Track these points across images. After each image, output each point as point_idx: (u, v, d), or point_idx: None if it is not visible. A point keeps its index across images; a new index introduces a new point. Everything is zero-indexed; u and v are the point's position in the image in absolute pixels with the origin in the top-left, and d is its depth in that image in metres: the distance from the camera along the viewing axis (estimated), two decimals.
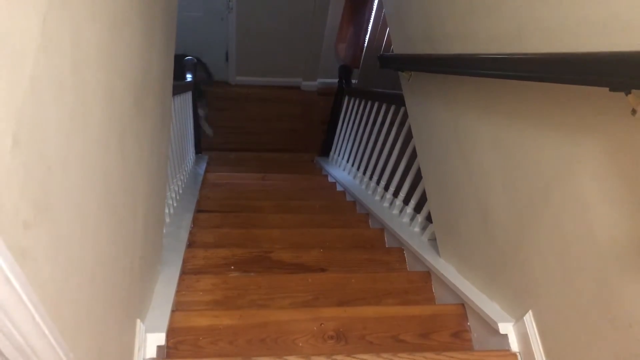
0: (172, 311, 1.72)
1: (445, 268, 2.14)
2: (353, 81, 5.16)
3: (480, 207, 1.82)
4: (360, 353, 1.59)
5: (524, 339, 1.60)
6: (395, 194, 2.98)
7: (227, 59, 6.05)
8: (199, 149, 4.54)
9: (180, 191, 3.04)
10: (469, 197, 1.90)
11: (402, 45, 2.39)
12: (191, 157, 4.09)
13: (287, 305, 2.01)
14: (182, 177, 3.22)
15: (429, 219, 2.46)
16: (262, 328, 1.79)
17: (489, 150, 1.71)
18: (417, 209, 2.66)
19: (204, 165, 4.27)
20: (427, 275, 2.29)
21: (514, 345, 1.65)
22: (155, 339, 1.51)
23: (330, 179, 4.38)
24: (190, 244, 2.49)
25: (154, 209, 1.68)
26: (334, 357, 1.56)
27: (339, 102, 4.63)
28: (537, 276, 1.53)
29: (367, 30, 5.81)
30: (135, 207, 1.35)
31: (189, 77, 4.09)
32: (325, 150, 4.97)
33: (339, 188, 4.06)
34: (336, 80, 4.70)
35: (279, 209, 3.34)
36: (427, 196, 2.38)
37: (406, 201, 2.83)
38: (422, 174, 2.41)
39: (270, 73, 6.15)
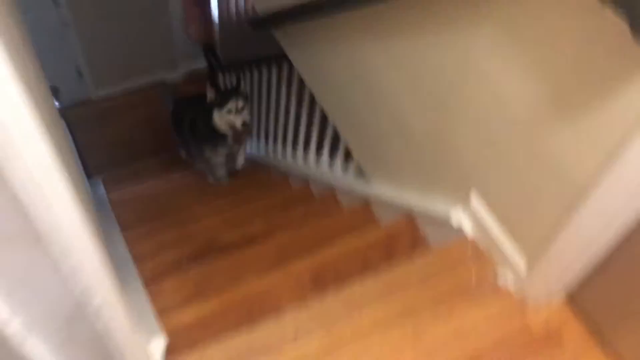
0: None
1: (381, 190, 2.28)
2: None
3: (395, 124, 1.96)
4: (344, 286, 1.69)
5: (475, 218, 1.78)
6: (307, 145, 3.07)
7: (80, 76, 5.72)
8: (88, 174, 4.33)
9: (93, 217, 2.92)
10: (382, 119, 2.04)
11: (267, 3, 2.44)
12: (86, 183, 3.90)
13: (256, 277, 2.06)
14: (88, 204, 3.09)
15: (347, 155, 2.58)
16: (244, 302, 1.83)
17: (389, 70, 1.84)
18: (333, 151, 2.78)
19: (101, 188, 4.09)
20: (366, 204, 2.43)
21: (468, 229, 1.83)
22: (157, 347, 1.51)
23: None
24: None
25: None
26: (324, 298, 1.65)
27: (215, 82, 4.59)
28: (469, 160, 1.70)
29: (210, 4, 5.74)
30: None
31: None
32: None
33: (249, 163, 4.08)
34: (200, 65, 4.64)
35: (201, 199, 3.32)
36: (341, 134, 2.49)
37: (319, 148, 2.93)
38: (329, 116, 2.52)
39: (131, 75, 5.91)
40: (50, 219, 0.80)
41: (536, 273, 1.61)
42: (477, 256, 1.79)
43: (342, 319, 1.62)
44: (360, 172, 2.47)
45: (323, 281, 1.90)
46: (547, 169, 1.45)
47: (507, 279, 1.72)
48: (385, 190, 2.25)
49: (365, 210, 2.42)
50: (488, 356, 1.57)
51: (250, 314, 1.79)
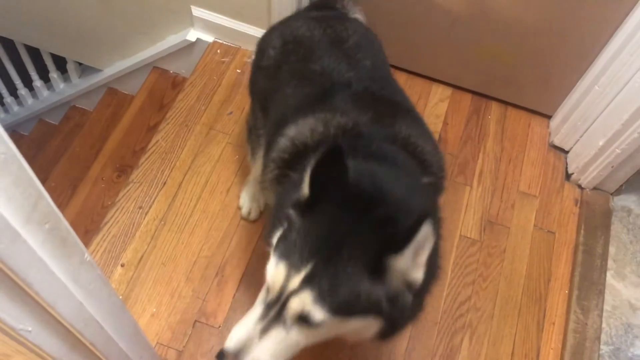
0: None
1: (115, 70, 2.26)
2: None
3: None
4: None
5: (209, 27, 1.91)
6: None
7: None
8: None
9: None
10: None
11: None
12: None
13: (70, 201, 1.99)
14: None
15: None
16: (79, 222, 1.82)
17: None
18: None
19: None
20: (108, 93, 2.39)
21: (208, 38, 1.96)
22: None
23: None
24: None
25: None
26: (139, 168, 1.71)
27: None
28: None
29: None
30: None
31: None
32: None
33: None
34: None
35: None
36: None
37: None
38: None
39: None
40: None
41: None
42: (229, 53, 1.95)
43: (164, 170, 1.71)
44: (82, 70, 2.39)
45: (125, 164, 1.92)
46: None
47: None
48: (119, 66, 2.23)
49: (111, 97, 2.38)
50: None
51: (88, 229, 1.79)
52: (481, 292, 1.58)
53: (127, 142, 2.01)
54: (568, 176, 1.82)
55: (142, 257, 1.55)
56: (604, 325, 1.55)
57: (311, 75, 1.16)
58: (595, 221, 1.74)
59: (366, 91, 1.12)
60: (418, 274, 0.75)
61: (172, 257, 1.55)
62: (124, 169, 1.93)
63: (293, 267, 0.74)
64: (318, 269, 0.72)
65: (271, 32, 1.34)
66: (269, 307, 0.77)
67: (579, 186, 1.80)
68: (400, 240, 0.70)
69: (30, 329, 0.68)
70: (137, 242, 1.57)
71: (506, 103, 1.94)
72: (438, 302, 1.55)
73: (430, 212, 0.85)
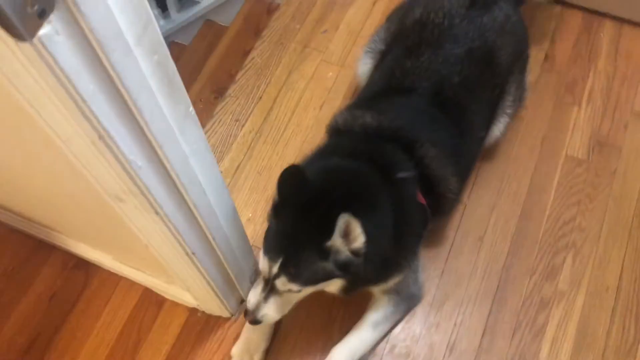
0: None
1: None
2: None
3: None
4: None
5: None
6: None
7: None
8: None
9: None
10: None
11: None
12: None
13: None
14: None
15: None
16: None
17: None
18: None
19: None
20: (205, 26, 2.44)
21: None
22: None
23: None
24: None
25: None
26: (234, 84, 1.73)
27: None
28: None
29: None
30: None
31: None
32: None
33: None
34: None
35: None
36: None
37: None
38: None
39: None
40: None
41: None
42: None
43: (260, 85, 1.74)
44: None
45: (222, 87, 1.95)
46: None
47: None
48: None
49: (207, 29, 2.43)
50: None
51: None
52: (587, 213, 1.48)
53: (223, 66, 2.04)
54: None
55: (238, 165, 1.59)
56: None
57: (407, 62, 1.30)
58: None
59: (427, 107, 1.26)
60: (356, 245, 0.98)
61: (267, 167, 1.58)
62: (221, 91, 1.95)
63: (272, 260, 1.03)
64: (287, 259, 1.01)
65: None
66: (266, 282, 1.08)
67: None
68: (329, 230, 0.96)
69: (140, 164, 0.71)
70: (234, 152, 1.61)
71: (622, 20, 1.78)
72: (539, 222, 1.48)
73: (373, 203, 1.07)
